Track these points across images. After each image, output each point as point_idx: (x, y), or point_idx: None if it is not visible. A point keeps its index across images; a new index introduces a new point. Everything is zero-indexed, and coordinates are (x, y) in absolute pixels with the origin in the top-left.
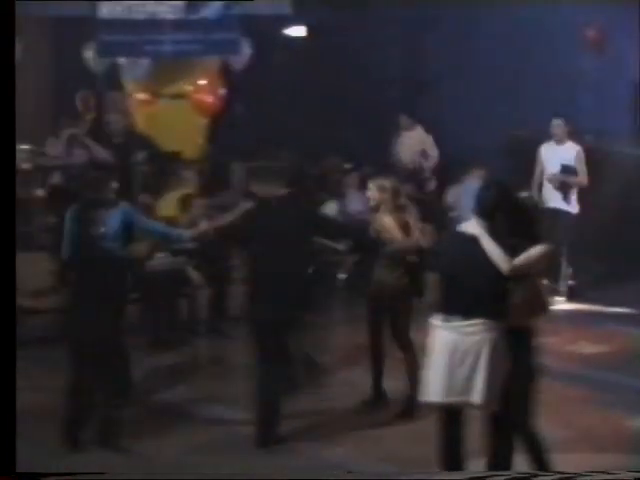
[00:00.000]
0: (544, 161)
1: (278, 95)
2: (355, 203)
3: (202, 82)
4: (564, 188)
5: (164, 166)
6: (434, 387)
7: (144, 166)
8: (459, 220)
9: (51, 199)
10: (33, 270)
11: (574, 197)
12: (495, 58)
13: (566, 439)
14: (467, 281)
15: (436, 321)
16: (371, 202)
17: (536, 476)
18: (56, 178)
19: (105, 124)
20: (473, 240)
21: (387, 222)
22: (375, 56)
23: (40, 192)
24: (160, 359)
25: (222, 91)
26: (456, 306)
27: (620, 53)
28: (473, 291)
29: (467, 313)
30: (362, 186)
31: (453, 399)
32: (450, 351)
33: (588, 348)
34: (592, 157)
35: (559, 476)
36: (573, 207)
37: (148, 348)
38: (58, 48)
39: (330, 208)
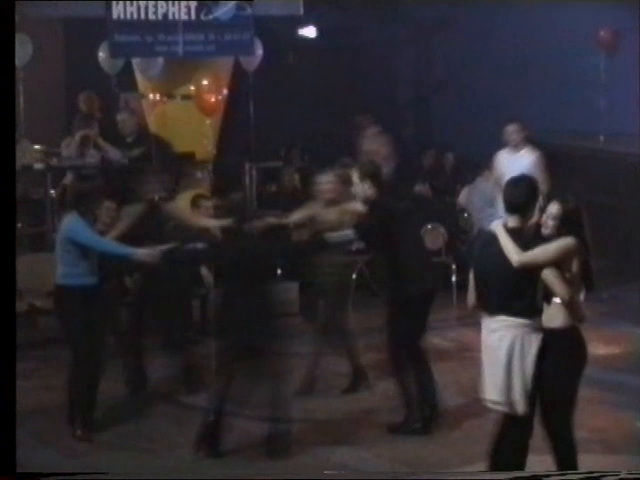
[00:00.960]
0: (500, 170)
1: (290, 96)
2: None
3: (214, 83)
4: None
5: (176, 167)
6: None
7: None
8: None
9: (64, 199)
10: (46, 270)
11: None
12: (507, 59)
13: (579, 440)
14: (491, 278)
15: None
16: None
17: (548, 476)
18: (69, 179)
19: (117, 125)
20: (495, 237)
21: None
22: (387, 56)
23: (53, 192)
24: (172, 359)
25: (234, 92)
26: (485, 304)
27: (634, 54)
28: (496, 288)
29: (491, 310)
30: None
31: (487, 397)
32: (483, 349)
33: (601, 349)
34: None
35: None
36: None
37: (161, 349)
38: (71, 49)
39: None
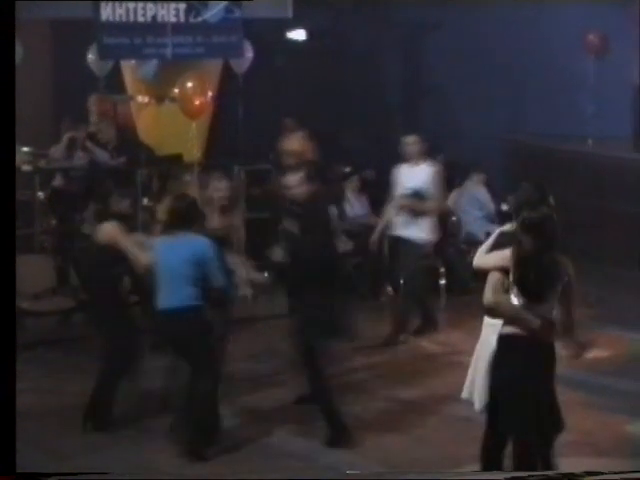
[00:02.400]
0: (397, 183)
1: (279, 98)
2: (355, 207)
3: (195, 85)
4: (415, 214)
5: (164, 169)
6: None
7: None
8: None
9: (52, 201)
10: (33, 272)
11: (426, 224)
12: (496, 62)
13: (567, 443)
14: None
15: None
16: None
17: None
18: (57, 181)
19: (105, 127)
20: None
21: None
22: (376, 59)
23: (41, 194)
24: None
25: (223, 94)
26: None
27: (621, 57)
28: None
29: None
30: (362, 190)
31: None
32: None
33: (589, 353)
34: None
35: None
36: (423, 235)
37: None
38: (59, 51)
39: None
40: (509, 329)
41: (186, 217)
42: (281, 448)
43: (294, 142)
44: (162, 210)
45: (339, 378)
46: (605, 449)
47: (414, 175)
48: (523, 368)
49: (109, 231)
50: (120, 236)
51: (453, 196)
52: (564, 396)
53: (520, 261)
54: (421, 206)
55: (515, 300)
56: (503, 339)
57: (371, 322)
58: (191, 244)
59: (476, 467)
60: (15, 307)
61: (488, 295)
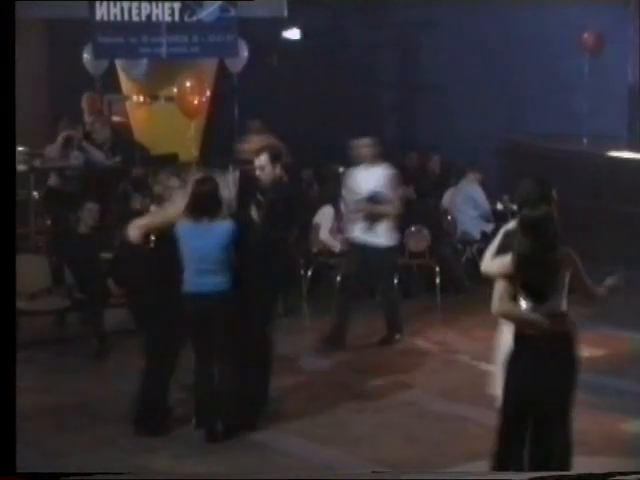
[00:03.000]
0: (350, 186)
1: (274, 97)
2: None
3: (194, 84)
4: (372, 218)
5: (159, 169)
6: None
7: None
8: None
9: (47, 201)
10: (30, 272)
11: (384, 228)
12: (490, 61)
13: None
14: None
15: None
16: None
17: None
18: (52, 180)
19: (100, 126)
20: None
21: None
22: (371, 58)
23: (36, 194)
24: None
25: (219, 93)
26: None
27: (615, 56)
28: None
29: None
30: None
31: None
32: None
33: (583, 352)
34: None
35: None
36: (382, 240)
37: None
38: (54, 50)
39: (327, 212)
40: (522, 330)
41: (213, 201)
42: (275, 447)
43: (257, 144)
44: (180, 196)
45: (332, 376)
46: (599, 448)
47: (369, 179)
48: (538, 367)
49: (141, 225)
50: (148, 221)
51: (448, 195)
52: None
53: (521, 262)
54: (377, 210)
55: (524, 304)
56: (518, 339)
57: (366, 320)
58: (223, 228)
59: (469, 465)
60: (15, 307)
61: (495, 305)
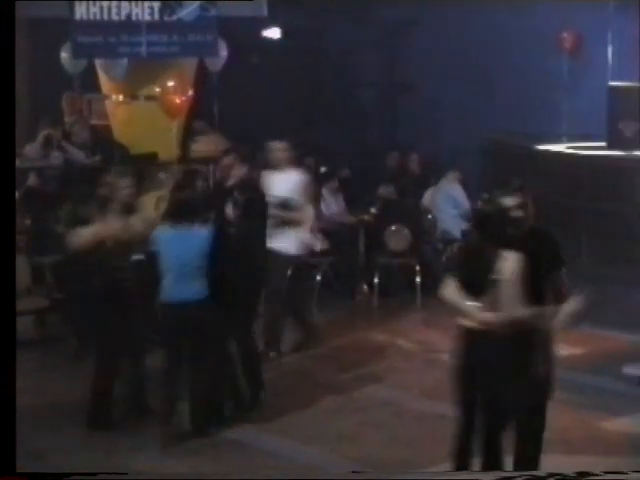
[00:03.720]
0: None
1: (255, 97)
2: (331, 206)
3: (179, 84)
4: (282, 224)
5: (140, 168)
6: None
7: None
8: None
9: (27, 201)
10: None
11: (291, 235)
12: (471, 61)
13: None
14: None
15: None
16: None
17: (552, 476)
18: (32, 180)
19: (79, 126)
20: None
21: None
22: (351, 58)
23: (16, 194)
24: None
25: (199, 92)
26: None
27: (596, 56)
28: None
29: None
30: (338, 189)
31: None
32: None
33: (564, 350)
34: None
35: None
36: (283, 246)
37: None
38: (33, 49)
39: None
40: (462, 321)
41: (193, 208)
42: (257, 446)
43: (204, 144)
44: (145, 202)
45: (314, 377)
46: (579, 447)
47: (281, 183)
48: (473, 360)
49: (87, 234)
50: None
51: (428, 194)
52: None
53: (462, 252)
54: (286, 216)
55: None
56: (459, 330)
57: (346, 320)
58: (202, 235)
59: (450, 464)
60: (15, 307)
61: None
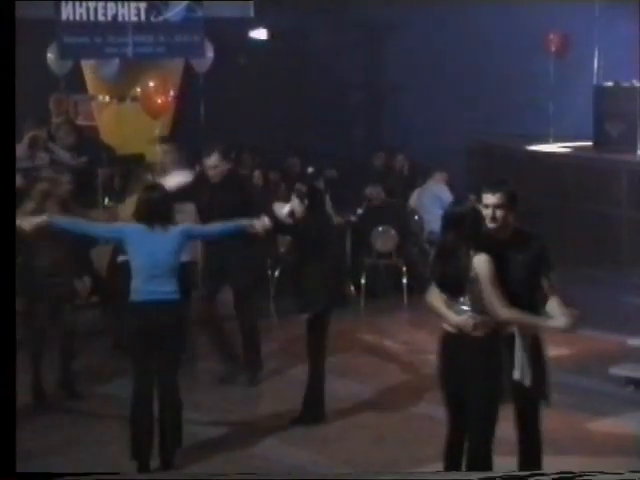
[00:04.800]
0: None
1: (241, 98)
2: None
3: (158, 84)
4: None
5: (126, 169)
6: None
7: (106, 169)
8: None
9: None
10: None
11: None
12: (457, 62)
13: None
14: None
15: None
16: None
17: (533, 475)
18: (18, 181)
19: (66, 127)
20: None
21: None
22: (338, 59)
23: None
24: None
25: (185, 93)
26: None
27: (582, 57)
28: None
29: None
30: (325, 190)
31: None
32: None
33: (551, 351)
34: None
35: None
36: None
37: (112, 349)
38: (19, 50)
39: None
40: (446, 326)
41: (163, 208)
42: (244, 448)
43: (166, 155)
44: (131, 203)
45: (300, 377)
46: (566, 447)
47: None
48: (451, 363)
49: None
50: None
51: (415, 195)
52: None
53: (436, 253)
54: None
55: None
56: (441, 333)
57: (333, 321)
58: (174, 234)
59: (439, 465)
60: (15, 307)
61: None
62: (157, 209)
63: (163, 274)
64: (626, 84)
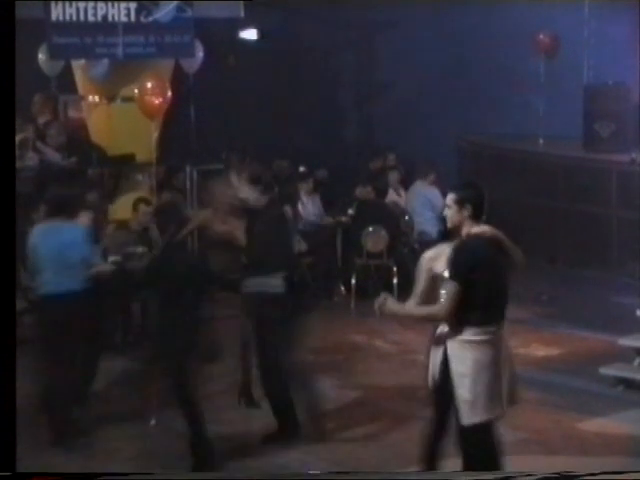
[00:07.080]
0: None
1: (231, 98)
2: (308, 208)
3: (154, 85)
4: None
5: (117, 169)
6: None
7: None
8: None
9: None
10: None
11: None
12: (447, 62)
13: (518, 441)
14: None
15: None
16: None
17: (530, 475)
18: None
19: (55, 127)
20: None
21: None
22: (328, 59)
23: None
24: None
25: (175, 94)
26: None
27: (572, 57)
28: None
29: None
30: (315, 190)
31: None
32: None
33: (540, 351)
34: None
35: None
36: None
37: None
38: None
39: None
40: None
41: (63, 204)
42: (235, 449)
43: None
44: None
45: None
46: (555, 447)
47: None
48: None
49: None
50: None
51: (405, 195)
52: None
53: None
54: None
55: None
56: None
57: (324, 322)
58: (79, 227)
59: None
60: (15, 307)
61: None
62: (60, 203)
63: (70, 267)
64: (616, 84)
